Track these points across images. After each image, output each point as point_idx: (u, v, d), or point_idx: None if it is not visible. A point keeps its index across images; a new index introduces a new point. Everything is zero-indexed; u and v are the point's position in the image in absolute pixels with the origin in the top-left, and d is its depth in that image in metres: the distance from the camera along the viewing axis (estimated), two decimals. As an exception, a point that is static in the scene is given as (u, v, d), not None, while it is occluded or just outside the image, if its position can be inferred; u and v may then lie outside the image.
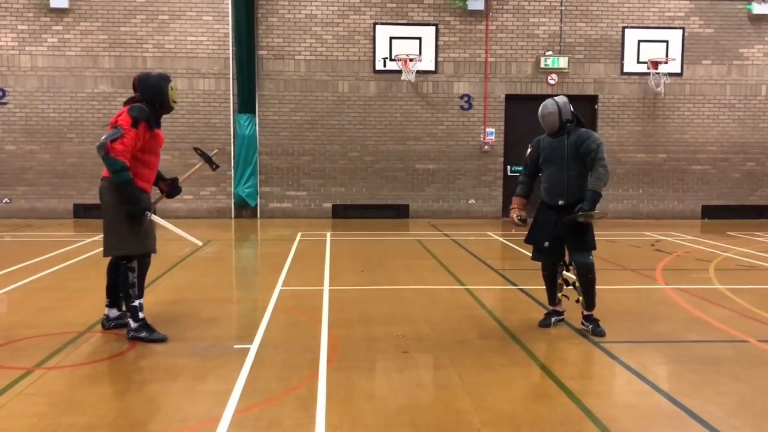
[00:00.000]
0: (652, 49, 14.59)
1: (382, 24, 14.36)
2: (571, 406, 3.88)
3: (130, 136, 4.87)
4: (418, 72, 14.26)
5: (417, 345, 5.06)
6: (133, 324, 5.09)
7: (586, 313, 5.46)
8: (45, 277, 7.69)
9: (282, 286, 7.19)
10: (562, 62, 14.50)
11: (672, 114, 14.95)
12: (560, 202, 5.38)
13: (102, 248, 5.21)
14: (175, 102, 5.26)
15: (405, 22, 14.42)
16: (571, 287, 5.57)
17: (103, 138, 4.85)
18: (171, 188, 5.63)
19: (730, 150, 15.08)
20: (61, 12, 13.87)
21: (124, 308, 5.25)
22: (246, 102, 14.11)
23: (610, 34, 14.70)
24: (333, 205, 14.66)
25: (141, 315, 5.09)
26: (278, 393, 4.04)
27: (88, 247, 9.95)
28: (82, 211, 14.19)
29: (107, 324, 5.39)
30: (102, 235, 5.19)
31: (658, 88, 14.56)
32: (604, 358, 4.82)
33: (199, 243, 5.64)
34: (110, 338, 5.19)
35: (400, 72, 14.19)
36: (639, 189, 15.05)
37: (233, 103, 14.20)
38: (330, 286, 7.22)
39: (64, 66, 14.01)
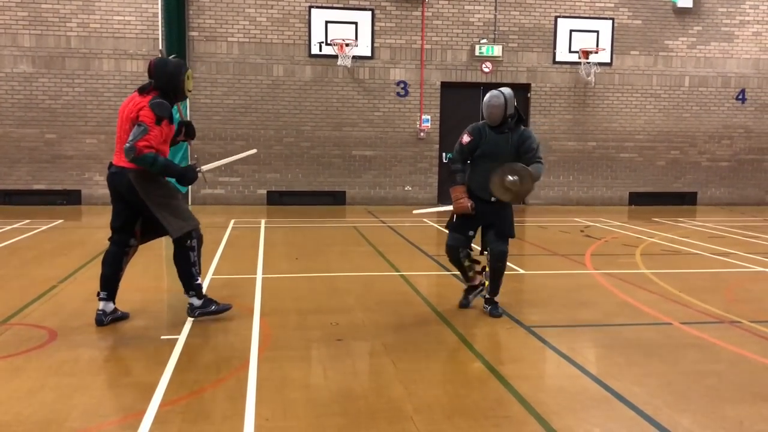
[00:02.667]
0: (583, 38, 14.91)
1: (317, 7, 14.16)
2: (502, 390, 3.92)
3: (155, 134, 4.80)
4: (354, 57, 14.15)
5: (351, 333, 5.02)
6: (197, 302, 5.16)
7: (488, 296, 5.57)
8: (-41, 267, 7.28)
9: (213, 274, 7.02)
10: (497, 50, 14.65)
11: (602, 103, 15.34)
12: (492, 199, 5.41)
13: (139, 237, 5.24)
14: (189, 91, 5.14)
15: (341, 6, 14.27)
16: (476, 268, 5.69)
17: (130, 140, 4.73)
18: (187, 129, 5.39)
19: (655, 138, 15.61)
20: (-24, -14, 13.11)
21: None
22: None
23: (543, 23, 14.94)
24: (268, 192, 14.44)
25: (203, 292, 5.22)
26: (207, 385, 3.93)
27: (8, 235, 9.48)
28: (1, 198, 13.51)
29: (105, 320, 5.07)
30: (137, 225, 5.17)
31: (589, 78, 14.91)
32: (534, 342, 4.89)
33: (254, 150, 6.11)
34: (29, 330, 4.94)
35: (336, 57, 14.05)
36: (569, 176, 15.42)
37: (163, 85, 13.74)
38: (263, 274, 7.10)
39: (-20, 44, 13.26)
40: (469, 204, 5.44)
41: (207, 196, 14.23)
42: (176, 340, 4.74)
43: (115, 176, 4.98)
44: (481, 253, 5.63)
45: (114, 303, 5.18)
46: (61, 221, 11.13)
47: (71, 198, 13.71)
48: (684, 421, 3.52)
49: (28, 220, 11.02)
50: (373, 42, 14.39)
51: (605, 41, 14.98)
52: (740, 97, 15.72)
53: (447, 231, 5.66)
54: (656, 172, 15.69)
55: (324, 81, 14.40)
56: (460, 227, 5.56)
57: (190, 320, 5.23)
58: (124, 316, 5.25)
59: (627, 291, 6.51)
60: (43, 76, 13.52)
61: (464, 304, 5.73)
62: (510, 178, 5.25)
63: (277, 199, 14.39)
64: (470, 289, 5.80)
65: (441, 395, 3.84)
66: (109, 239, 5.19)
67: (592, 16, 15.03)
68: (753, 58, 15.67)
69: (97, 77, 13.67)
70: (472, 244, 5.64)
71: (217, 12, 13.96)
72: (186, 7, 13.74)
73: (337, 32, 14.11)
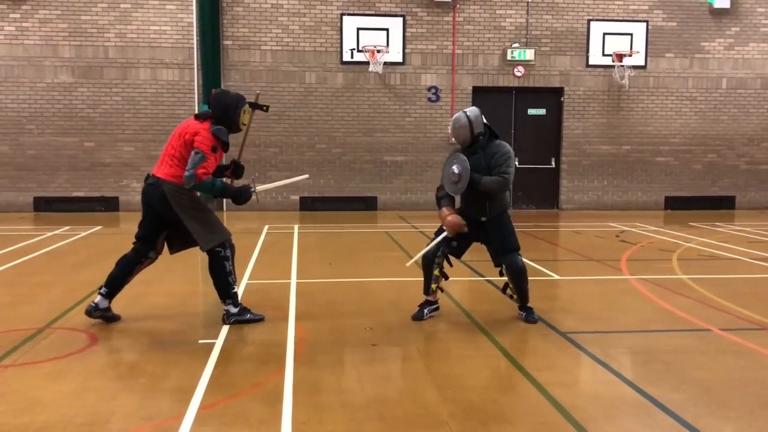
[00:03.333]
0: (616, 41, 14.75)
1: (349, 15, 14.25)
2: (538, 396, 3.89)
3: (211, 161, 5.01)
4: (385, 63, 14.20)
5: (385, 337, 5.04)
6: (234, 309, 5.28)
7: (519, 305, 5.55)
8: (3, 272, 7.48)
9: (248, 279, 7.11)
10: (529, 54, 14.57)
11: (636, 106, 15.14)
12: (483, 219, 5.42)
13: (170, 247, 5.46)
14: (244, 125, 5.34)
15: (372, 12, 14.34)
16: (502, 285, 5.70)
17: (189, 168, 4.93)
18: (236, 168, 5.56)
19: (691, 142, 15.34)
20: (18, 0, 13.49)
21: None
22: (211, 93, 13.86)
23: (576, 26, 14.82)
24: (300, 198, 14.55)
25: (239, 300, 5.35)
26: (244, 388, 3.98)
27: (49, 241, 9.71)
28: (42, 204, 13.84)
29: (94, 313, 5.27)
30: (164, 237, 5.37)
31: (623, 81, 14.73)
32: (570, 348, 4.85)
33: (306, 176, 6.30)
34: (71, 334, 5.06)
35: (367, 63, 14.12)
36: (604, 180, 15.24)
37: (198, 93, 13.98)
38: (297, 279, 7.16)
39: (23, 55, 13.62)
40: (459, 220, 5.36)
41: (241, 202, 14.37)
42: (213, 344, 4.81)
43: (151, 187, 5.15)
44: (499, 272, 5.58)
45: (110, 302, 5.34)
46: (99, 227, 11.37)
47: (109, 205, 13.99)
48: (726, 429, 3.47)
49: (68, 227, 11.27)
50: (404, 48, 14.43)
51: (639, 44, 14.80)
52: (779, 98, 15.37)
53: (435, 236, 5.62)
54: (693, 175, 15.42)
55: (355, 87, 14.48)
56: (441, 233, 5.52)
57: (226, 324, 5.30)
58: (115, 317, 5.39)
59: (664, 297, 6.42)
60: (82, 86, 13.84)
61: (418, 317, 5.54)
62: (455, 170, 5.30)
63: (309, 205, 14.49)
64: (427, 303, 5.63)
65: (477, 401, 3.83)
66: (132, 245, 5.38)
67: (625, 18, 14.86)
68: (793, 59, 15.32)
69: (134, 86, 13.94)
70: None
71: (250, 21, 14.14)
72: (220, 17, 13.95)
73: (368, 39, 14.19)
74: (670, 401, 3.81)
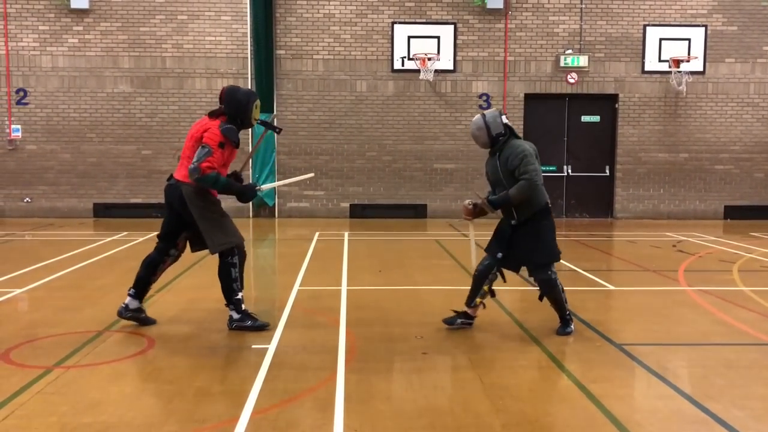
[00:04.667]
0: (673, 47, 14.39)
1: (400, 23, 14.31)
2: (593, 409, 3.81)
3: (217, 156, 5.09)
4: (436, 71, 14.19)
5: (435, 346, 5.02)
6: (236, 315, 5.35)
7: (563, 317, 5.37)
8: (65, 276, 7.74)
9: (300, 286, 7.18)
10: (582, 61, 14.35)
11: (694, 113, 14.74)
12: (513, 222, 5.32)
13: (188, 247, 5.61)
14: (255, 120, 5.42)
15: (423, 20, 14.36)
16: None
17: (194, 161, 5.04)
18: (235, 180, 5.59)
19: (753, 149, 14.84)
20: (81, 12, 13.98)
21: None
22: (264, 102, 14.09)
23: (631, 32, 14.53)
24: (351, 205, 14.63)
25: (243, 306, 5.38)
26: (296, 394, 4.02)
27: (108, 246, 10.01)
28: (101, 210, 14.28)
29: (125, 314, 5.44)
30: (180, 236, 5.53)
31: (680, 87, 14.36)
32: (625, 360, 4.74)
33: (311, 175, 6.44)
34: (129, 337, 5.20)
35: (418, 71, 14.13)
36: (660, 189, 14.86)
37: (251, 102, 14.20)
38: (348, 286, 7.19)
39: (85, 66, 14.12)
40: (465, 203, 5.58)
41: (293, 209, 14.57)
42: (266, 349, 4.87)
43: (170, 188, 5.33)
44: (503, 277, 5.50)
45: (140, 302, 5.47)
46: (155, 233, 11.63)
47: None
48: (792, 448, 3.33)
49: (126, 232, 11.60)
50: (455, 55, 14.39)
51: (697, 49, 14.40)
52: None
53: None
54: (754, 184, 14.91)
55: (406, 95, 14.51)
56: (490, 248, 5.45)
57: (279, 330, 5.37)
58: (149, 321, 5.51)
59: (725, 309, 6.21)
60: (141, 95, 14.25)
61: (449, 322, 5.47)
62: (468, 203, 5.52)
63: (359, 212, 14.57)
64: (463, 314, 5.50)
65: (530, 412, 3.77)
66: (155, 245, 5.55)
67: (683, 23, 14.49)
68: None
69: (190, 95, 14.28)
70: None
71: (303, 30, 14.34)
72: (273, 27, 14.19)
73: (419, 47, 14.21)
74: (732, 418, 3.68)
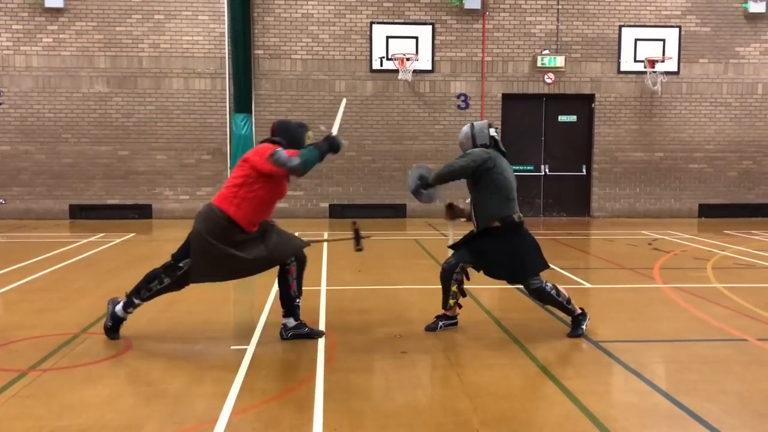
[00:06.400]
0: (648, 47, 14.58)
1: (378, 23, 14.33)
2: (570, 405, 3.86)
3: (288, 150, 4.88)
4: (414, 71, 14.24)
5: (415, 345, 5.04)
6: (293, 322, 5.14)
7: (571, 318, 5.37)
8: (41, 278, 7.65)
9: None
10: (559, 61, 14.49)
11: (669, 113, 14.95)
12: (473, 231, 5.39)
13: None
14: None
15: (401, 21, 14.40)
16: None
17: (285, 163, 4.80)
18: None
19: (726, 148, 15.08)
20: (56, 12, 13.81)
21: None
22: (242, 102, 14.06)
23: (607, 32, 14.70)
24: (330, 205, 14.63)
25: (299, 313, 5.19)
26: (276, 394, 4.02)
27: (85, 248, 9.90)
28: (78, 212, 14.12)
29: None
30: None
31: (655, 87, 14.56)
32: (602, 357, 4.80)
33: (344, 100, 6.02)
34: (107, 340, 5.15)
35: (396, 71, 14.17)
36: (636, 188, 15.05)
37: (229, 102, 14.17)
38: (327, 286, 7.20)
39: (60, 66, 13.95)
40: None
41: (271, 209, 14.50)
42: (245, 350, 4.86)
43: (203, 208, 5.14)
44: (466, 277, 5.52)
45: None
46: (133, 235, 11.56)
47: (143, 212, 14.22)
48: (763, 441, 3.40)
49: (102, 234, 11.48)
50: (433, 56, 14.45)
51: (672, 50, 14.61)
52: (818, 104, 15.04)
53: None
54: (728, 182, 15.15)
55: (385, 95, 14.54)
56: (456, 248, 5.48)
57: (258, 331, 5.36)
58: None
59: (699, 306, 6.31)
60: (117, 95, 14.11)
61: (431, 328, 5.46)
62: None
63: (339, 212, 14.56)
64: (444, 317, 5.53)
65: (508, 409, 3.81)
66: None
67: (657, 24, 14.69)
68: (831, 64, 14.99)
69: (167, 95, 14.18)
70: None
71: (281, 30, 14.30)
72: (251, 27, 14.13)
73: (398, 47, 14.24)
74: (705, 412, 3.75)
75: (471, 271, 5.50)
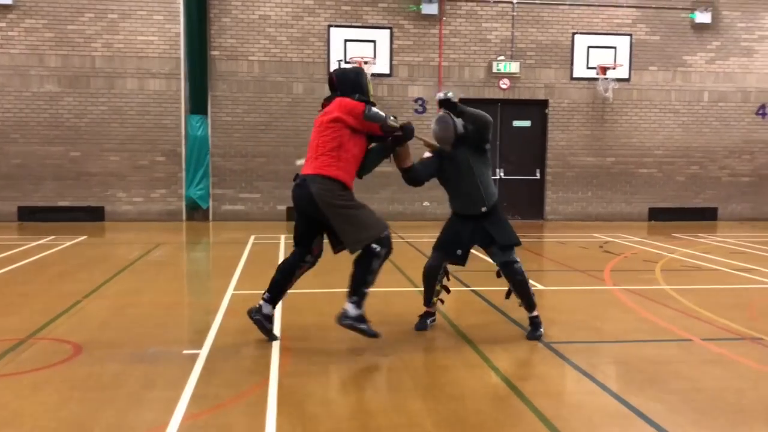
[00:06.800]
0: (600, 54, 14.92)
1: (336, 26, 14.33)
2: (522, 407, 3.93)
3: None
4: (372, 75, 14.26)
5: (371, 348, 5.05)
6: (354, 312, 4.86)
7: (529, 315, 5.42)
8: (-14, 283, 7.42)
9: (234, 290, 7.10)
10: (514, 67, 14.71)
11: (620, 118, 15.32)
12: (484, 209, 5.40)
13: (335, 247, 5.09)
14: (372, 95, 5.15)
15: (359, 24, 14.43)
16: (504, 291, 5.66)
17: (381, 118, 4.79)
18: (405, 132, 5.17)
19: (675, 154, 15.53)
20: (4, 8, 13.43)
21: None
22: (198, 103, 13.90)
23: (561, 39, 14.99)
24: (288, 208, 14.53)
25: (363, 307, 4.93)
26: (228, 399, 3.99)
27: (34, 251, 9.65)
28: (27, 214, 13.75)
29: (254, 315, 5.05)
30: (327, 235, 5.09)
31: (607, 93, 14.89)
32: (554, 359, 4.89)
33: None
34: (55, 345, 5.03)
35: (354, 74, 14.16)
36: (588, 192, 15.37)
37: (185, 103, 13.98)
38: (283, 289, 7.14)
39: (8, 64, 13.56)
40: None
41: (227, 212, 14.37)
42: (198, 354, 4.80)
43: (298, 188, 4.91)
44: (447, 277, 5.64)
45: (274, 309, 5.07)
46: (84, 237, 11.31)
47: (95, 215, 13.92)
48: (705, 438, 3.52)
49: (53, 237, 11.20)
50: (391, 60, 14.51)
51: (623, 57, 14.98)
52: (761, 112, 15.61)
53: (472, 249, 5.60)
54: (676, 187, 15.60)
55: (343, 98, 14.51)
56: (442, 246, 5.53)
57: (211, 335, 5.30)
58: (272, 336, 5.10)
59: (647, 307, 6.48)
60: (69, 95, 13.79)
61: (421, 327, 5.58)
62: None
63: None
64: (427, 314, 5.67)
65: (460, 411, 3.86)
66: (292, 249, 5.23)
67: (609, 32, 15.05)
68: (773, 73, 15.57)
69: (121, 96, 13.92)
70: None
71: (238, 32, 14.18)
72: (208, 27, 13.98)
73: (355, 50, 14.27)
74: (651, 411, 3.85)
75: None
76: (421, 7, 14.38)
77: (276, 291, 5.15)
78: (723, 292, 7.36)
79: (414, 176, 5.45)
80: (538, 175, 15.26)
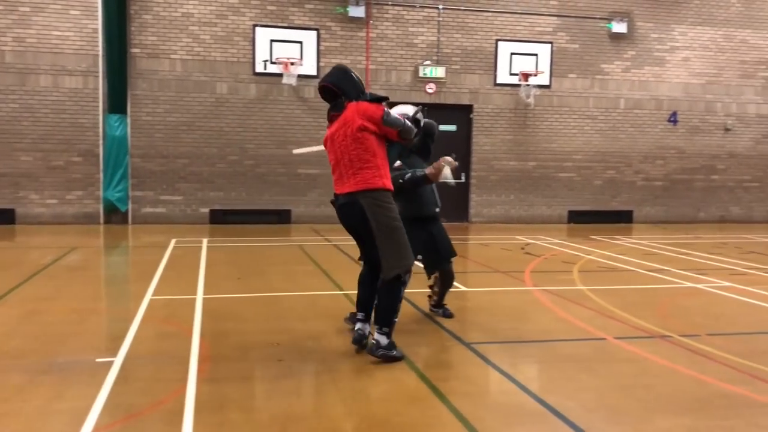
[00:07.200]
0: (523, 61, 15.32)
1: (262, 26, 14.16)
2: (441, 407, 3.96)
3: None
4: (299, 76, 14.18)
5: (293, 353, 5.00)
6: (386, 341, 4.71)
7: (436, 303, 6.08)
8: None
9: (152, 295, 6.89)
10: (440, 72, 14.91)
11: (541, 124, 15.76)
12: (437, 210, 5.62)
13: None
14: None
15: (286, 25, 14.30)
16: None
17: (400, 124, 4.70)
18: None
19: (593, 159, 16.10)
20: None
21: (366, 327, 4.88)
22: (117, 102, 13.45)
23: (485, 46, 15.29)
24: (211, 210, 14.26)
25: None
26: (143, 408, 3.85)
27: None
28: (-72, 217, 12.95)
29: (363, 341, 4.92)
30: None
31: (528, 99, 15.30)
32: (475, 359, 4.97)
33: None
34: (-45, 356, 4.74)
35: (281, 75, 14.05)
36: (511, 195, 15.74)
37: (103, 102, 13.49)
38: (204, 294, 7.00)
39: None
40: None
41: (148, 215, 13.95)
42: (112, 362, 4.62)
43: (347, 207, 4.73)
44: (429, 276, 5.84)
45: (389, 337, 4.78)
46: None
47: (5, 217, 13.24)
48: (615, 433, 3.64)
49: (-43, 241, 10.59)
50: (318, 61, 14.45)
51: (544, 64, 15.43)
52: (672, 119, 16.38)
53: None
54: (594, 190, 16.17)
55: (269, 99, 14.37)
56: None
57: (127, 342, 5.12)
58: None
59: (564, 307, 6.68)
60: (-24, 91, 13.08)
61: (447, 314, 6.11)
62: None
63: (220, 217, 14.22)
64: (439, 305, 6.17)
65: (381, 413, 3.86)
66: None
67: (531, 39, 15.46)
68: (683, 83, 16.38)
69: (33, 93, 13.30)
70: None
71: (159, 29, 13.80)
72: (127, 24, 13.54)
73: (282, 51, 14.14)
74: (566, 409, 3.96)
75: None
76: (348, 9, 14.39)
77: (366, 307, 5.01)
78: (636, 292, 7.67)
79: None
80: (463, 178, 15.51)
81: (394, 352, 4.76)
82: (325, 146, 4.97)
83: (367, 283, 5.03)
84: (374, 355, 4.71)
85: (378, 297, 4.76)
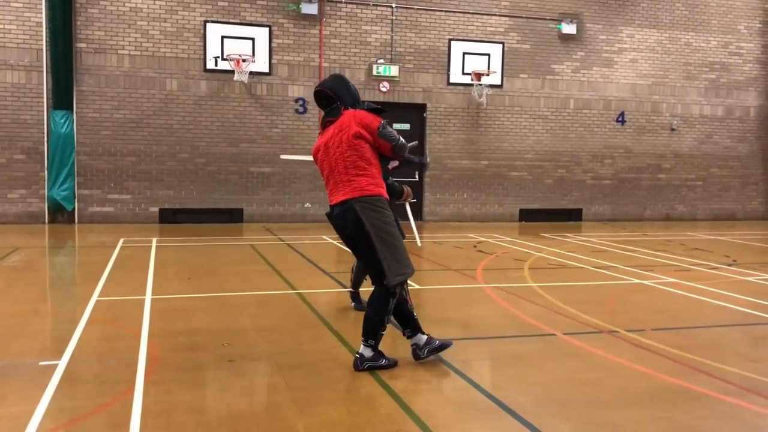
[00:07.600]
0: (475, 61, 15.47)
1: (213, 22, 13.95)
2: (393, 405, 3.97)
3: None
4: (251, 73, 14.03)
5: (244, 353, 4.94)
6: (370, 353, 4.60)
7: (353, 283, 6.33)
8: None
9: (99, 296, 6.72)
10: (393, 71, 14.95)
11: (493, 123, 15.94)
12: (414, 200, 5.91)
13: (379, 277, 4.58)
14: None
15: (237, 21, 14.13)
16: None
17: (396, 139, 4.63)
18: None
19: (544, 158, 16.37)
20: None
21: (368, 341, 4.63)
22: (62, 98, 13.07)
23: (438, 45, 15.39)
24: (160, 210, 13.98)
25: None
26: (88, 411, 3.75)
27: None
28: None
29: (422, 353, 4.78)
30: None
31: (481, 99, 15.46)
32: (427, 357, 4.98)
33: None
34: None
35: (232, 72, 13.88)
36: (463, 194, 15.89)
37: (47, 98, 13.10)
38: (153, 295, 6.86)
39: None
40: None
41: (95, 214, 13.61)
42: (56, 365, 4.49)
43: (342, 215, 4.57)
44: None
45: (423, 334, 4.83)
46: None
47: (-58, 216, 12.75)
48: (564, 427, 3.70)
49: None
50: (270, 58, 14.32)
51: (496, 64, 15.61)
52: (620, 119, 16.78)
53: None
54: (545, 189, 16.45)
55: (220, 96, 14.18)
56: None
57: (72, 344, 4.98)
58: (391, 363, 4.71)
59: (515, 304, 6.77)
60: None
61: (360, 307, 6.21)
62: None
63: (170, 217, 13.96)
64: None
65: (333, 413, 3.84)
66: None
67: (483, 39, 15.63)
68: (630, 83, 16.79)
69: (-27, 88, 12.83)
70: None
71: (106, 24, 13.47)
72: (73, 18, 13.18)
73: (233, 47, 13.96)
74: (516, 404, 4.01)
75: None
76: (300, 6, 14.30)
77: (408, 321, 4.85)
78: (585, 288, 7.82)
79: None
80: (417, 177, 15.57)
81: (383, 361, 4.66)
82: (314, 158, 4.89)
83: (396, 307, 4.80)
84: (361, 369, 4.58)
85: (368, 307, 4.67)
